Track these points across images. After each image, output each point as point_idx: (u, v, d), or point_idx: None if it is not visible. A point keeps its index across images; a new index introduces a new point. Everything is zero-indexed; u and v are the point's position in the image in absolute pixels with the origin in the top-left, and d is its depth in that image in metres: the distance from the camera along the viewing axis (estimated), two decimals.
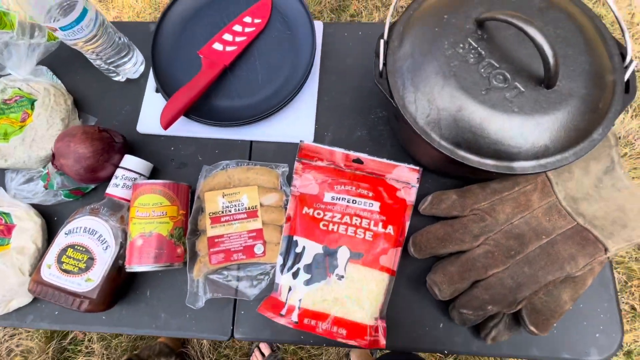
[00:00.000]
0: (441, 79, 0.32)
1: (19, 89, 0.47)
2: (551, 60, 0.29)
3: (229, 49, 0.47)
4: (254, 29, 0.48)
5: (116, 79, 0.49)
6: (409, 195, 0.41)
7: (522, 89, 0.31)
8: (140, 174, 0.43)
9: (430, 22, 0.35)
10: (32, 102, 0.47)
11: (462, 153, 0.32)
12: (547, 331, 0.35)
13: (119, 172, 0.42)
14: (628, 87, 0.33)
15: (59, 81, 0.50)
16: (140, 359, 0.83)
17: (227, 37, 0.47)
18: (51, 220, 0.45)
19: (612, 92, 0.33)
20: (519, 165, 0.32)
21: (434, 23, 0.34)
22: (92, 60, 0.46)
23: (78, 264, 0.38)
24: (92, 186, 0.46)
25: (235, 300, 0.41)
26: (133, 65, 0.49)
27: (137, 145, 0.47)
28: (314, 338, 0.39)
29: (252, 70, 0.47)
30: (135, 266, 0.37)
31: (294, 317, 0.36)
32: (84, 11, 0.38)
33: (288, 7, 0.48)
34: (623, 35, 0.33)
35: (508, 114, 0.31)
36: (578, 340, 0.38)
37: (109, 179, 0.43)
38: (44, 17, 0.38)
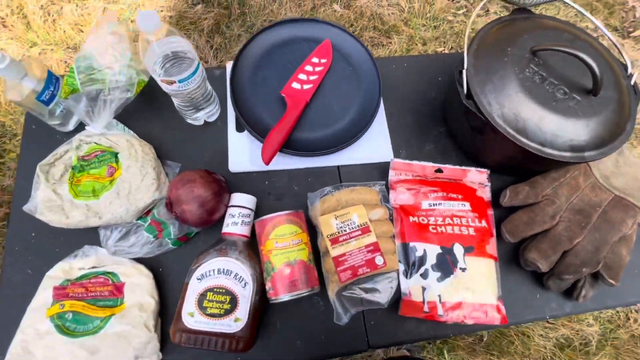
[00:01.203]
0: (521, 97, 0.41)
1: (96, 143, 0.46)
2: (598, 75, 0.40)
3: (306, 87, 0.52)
4: (322, 67, 0.54)
5: (193, 122, 0.51)
6: (485, 193, 0.49)
7: (579, 99, 0.42)
8: (252, 209, 0.45)
9: (496, 54, 0.44)
10: (114, 155, 0.46)
11: (548, 150, 0.41)
12: (619, 282, 0.44)
13: (234, 210, 0.43)
14: (636, 91, 0.46)
15: (132, 132, 0.50)
16: None
17: (302, 76, 0.52)
18: (157, 272, 0.44)
19: (629, 95, 0.45)
20: (589, 154, 0.42)
21: (501, 54, 0.44)
22: (179, 106, 0.47)
23: (222, 305, 0.38)
24: (196, 231, 0.46)
25: (363, 312, 0.44)
26: (213, 108, 0.50)
27: (230, 184, 0.49)
28: (447, 329, 0.43)
29: (328, 103, 0.53)
30: (282, 296, 0.39)
31: (440, 311, 0.40)
32: (198, 64, 0.40)
33: (347, 46, 0.55)
34: (622, 55, 0.46)
35: (576, 117, 0.41)
36: (637, 286, 0.48)
37: (219, 220, 0.44)
38: (154, 69, 0.40)
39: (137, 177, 0.44)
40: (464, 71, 0.44)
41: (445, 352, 1.01)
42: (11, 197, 0.45)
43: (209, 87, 0.47)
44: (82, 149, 0.46)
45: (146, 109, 0.51)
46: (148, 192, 0.44)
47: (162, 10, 1.39)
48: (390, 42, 1.42)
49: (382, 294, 0.44)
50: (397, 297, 0.43)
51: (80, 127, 0.50)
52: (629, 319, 1.06)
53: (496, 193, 0.49)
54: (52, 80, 0.43)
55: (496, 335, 1.03)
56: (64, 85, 0.42)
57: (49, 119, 0.46)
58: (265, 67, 0.53)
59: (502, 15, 1.54)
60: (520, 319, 0.46)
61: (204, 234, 0.46)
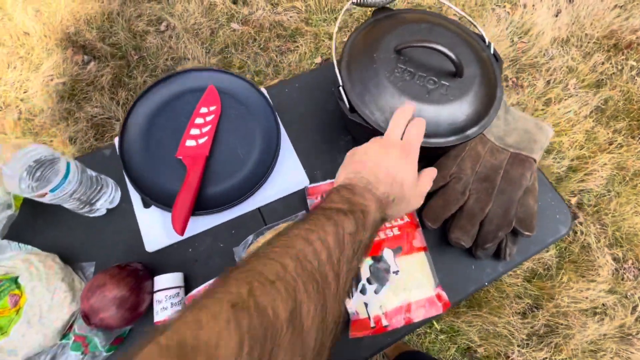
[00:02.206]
0: (397, 99, 0.43)
1: None
2: (456, 60, 0.43)
3: (201, 140, 0.50)
4: (213, 116, 0.52)
5: (96, 214, 0.48)
6: None
7: (447, 84, 0.44)
8: (179, 286, 0.43)
9: (365, 62, 0.46)
10: (14, 281, 0.42)
11: (433, 140, 0.44)
12: (534, 230, 0.49)
13: (159, 295, 0.41)
14: (497, 58, 0.50)
15: (29, 247, 0.46)
16: None
17: (195, 131, 0.51)
18: None
19: (491, 64, 0.48)
20: (470, 132, 0.44)
21: (369, 62, 0.45)
22: (71, 208, 0.44)
23: None
24: (129, 329, 0.43)
25: None
26: (109, 195, 0.48)
27: (154, 264, 0.46)
28: (397, 334, 0.45)
29: (230, 149, 0.52)
30: None
31: (384, 322, 0.42)
32: (67, 165, 0.38)
33: (232, 86, 0.55)
34: (476, 28, 0.49)
35: (449, 103, 0.43)
36: (549, 226, 0.53)
37: (147, 309, 0.42)
38: (20, 188, 0.37)
39: (46, 297, 0.41)
40: (341, 88, 0.45)
41: (434, 322, 1.06)
42: None
43: (93, 175, 0.44)
44: None
45: (39, 217, 0.47)
46: (62, 308, 0.41)
47: (52, 79, 1.28)
48: (298, 46, 1.42)
49: None
50: (347, 319, 0.44)
51: None
52: (576, 232, 1.18)
53: None
54: None
55: None
56: None
57: None
58: (155, 132, 0.51)
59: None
60: (464, 293, 0.48)
61: (140, 326, 0.44)
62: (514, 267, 0.51)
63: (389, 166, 0.34)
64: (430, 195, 0.51)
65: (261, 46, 1.41)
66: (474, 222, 0.47)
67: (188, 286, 0.45)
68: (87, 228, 0.48)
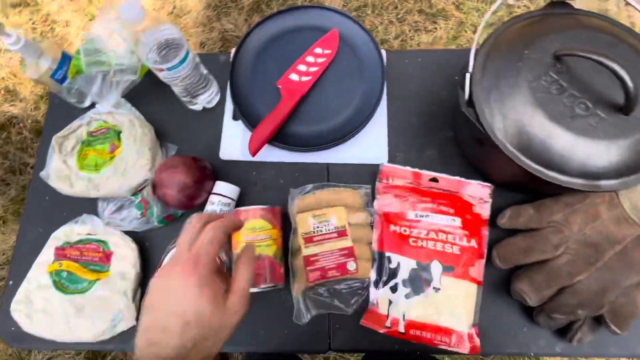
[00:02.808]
0: (530, 109, 0.36)
1: (104, 121, 0.50)
2: (632, 91, 0.33)
3: (304, 79, 0.50)
4: (325, 59, 0.51)
5: (193, 107, 0.52)
6: (484, 210, 0.45)
7: (604, 116, 0.35)
8: (233, 199, 0.46)
9: (510, 56, 0.39)
10: (117, 134, 0.49)
11: (552, 174, 0.36)
12: (627, 330, 0.38)
13: (214, 198, 0.44)
14: None
15: (138, 112, 0.53)
16: None
17: (302, 67, 0.51)
18: (143, 246, 0.47)
19: None
20: (605, 183, 0.35)
21: (515, 58, 0.38)
22: (177, 92, 0.49)
23: None
24: (181, 213, 0.48)
25: (329, 314, 0.44)
26: (210, 95, 0.51)
27: (220, 171, 0.50)
28: (408, 346, 0.41)
29: (326, 97, 0.51)
30: None
31: (401, 328, 0.39)
32: (187, 53, 0.41)
33: (355, 37, 0.52)
34: None
35: (593, 139, 0.35)
36: None
37: (201, 204, 0.45)
38: (147, 57, 0.41)
39: (134, 156, 0.47)
40: (468, 74, 0.39)
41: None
42: None
43: (204, 72, 0.48)
44: (92, 125, 0.50)
45: (152, 92, 0.53)
46: (142, 171, 0.47)
47: None
48: (436, 28, 1.31)
49: (348, 301, 0.43)
50: (365, 305, 0.42)
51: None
52: None
53: (497, 212, 0.45)
54: (66, 60, 0.46)
55: None
56: (71, 66, 0.45)
57: (67, 97, 0.51)
58: (268, 55, 0.53)
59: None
60: (500, 350, 0.42)
61: (188, 215, 0.48)
62: (576, 356, 0.42)
63: (172, 304, 0.26)
64: (511, 232, 0.43)
65: (399, 16, 1.33)
66: (553, 284, 0.39)
67: (239, 203, 0.48)
68: (183, 117, 0.53)
